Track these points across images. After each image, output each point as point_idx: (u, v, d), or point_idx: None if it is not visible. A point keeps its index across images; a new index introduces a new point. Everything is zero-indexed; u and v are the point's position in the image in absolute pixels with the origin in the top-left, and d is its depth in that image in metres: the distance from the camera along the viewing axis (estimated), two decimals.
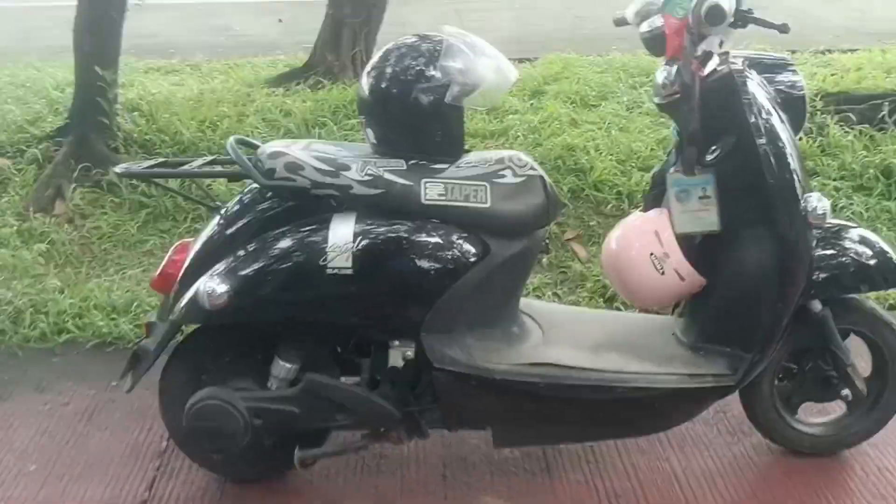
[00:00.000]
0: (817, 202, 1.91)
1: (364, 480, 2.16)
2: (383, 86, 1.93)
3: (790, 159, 1.93)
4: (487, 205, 1.91)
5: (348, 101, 4.47)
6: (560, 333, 2.13)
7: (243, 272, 1.84)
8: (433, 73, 1.89)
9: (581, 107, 4.46)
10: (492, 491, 2.12)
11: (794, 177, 1.93)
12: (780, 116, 1.97)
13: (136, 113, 4.26)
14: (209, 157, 2.12)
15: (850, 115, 4.31)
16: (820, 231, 2.04)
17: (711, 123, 1.97)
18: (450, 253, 1.88)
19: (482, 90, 1.93)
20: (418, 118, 1.92)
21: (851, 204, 3.68)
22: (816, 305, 2.06)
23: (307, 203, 1.89)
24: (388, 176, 1.87)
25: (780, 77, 2.06)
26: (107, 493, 2.12)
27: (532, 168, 2.00)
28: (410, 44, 1.97)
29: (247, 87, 4.87)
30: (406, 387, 1.95)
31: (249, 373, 1.97)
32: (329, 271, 1.81)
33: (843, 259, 2.05)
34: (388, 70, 1.94)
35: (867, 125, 4.23)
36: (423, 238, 1.87)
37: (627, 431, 2.14)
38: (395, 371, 1.92)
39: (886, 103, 4.27)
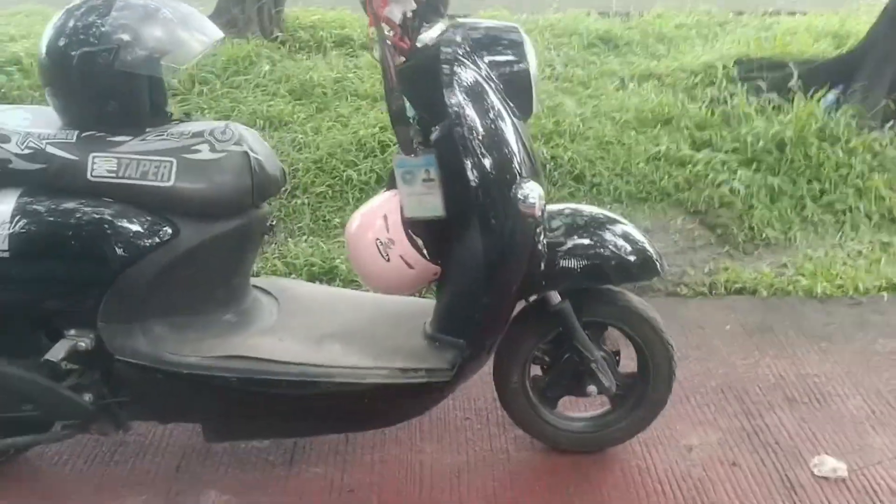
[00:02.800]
0: (528, 191, 1.74)
1: (92, 469, 2.07)
2: (57, 47, 1.76)
3: (503, 146, 1.76)
4: (170, 183, 1.76)
5: (242, 57, 4.37)
6: (293, 321, 2.00)
7: None
8: (102, 34, 1.73)
9: None
10: (221, 485, 2.03)
11: (505, 165, 1.76)
12: (496, 98, 1.78)
13: None
14: None
15: (761, 83, 4.06)
16: (567, 222, 1.92)
17: (431, 100, 1.80)
18: (120, 235, 1.74)
19: (165, 57, 1.77)
20: (89, 86, 1.76)
21: (734, 178, 3.47)
22: (554, 297, 1.91)
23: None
24: (50, 149, 1.73)
25: (504, 53, 1.83)
26: None
27: (237, 143, 1.83)
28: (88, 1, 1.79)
29: None
30: (97, 378, 1.84)
31: None
32: None
33: (588, 251, 1.89)
34: (64, 29, 1.76)
35: (776, 93, 3.99)
36: (87, 218, 1.73)
37: (344, 427, 2.02)
38: (81, 359, 1.81)
39: (797, 71, 4.00)
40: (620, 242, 1.90)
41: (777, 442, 2.16)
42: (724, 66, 4.31)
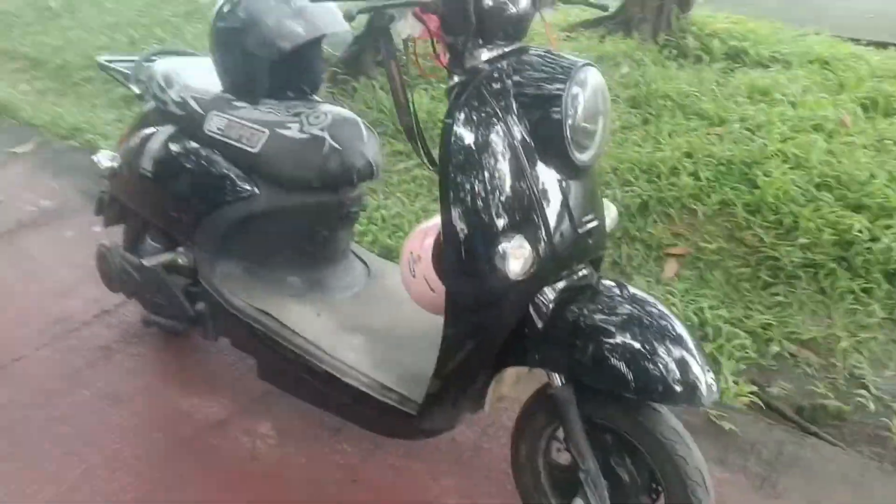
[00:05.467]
0: (508, 248, 1.47)
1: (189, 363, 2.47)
2: (213, 18, 2.06)
3: (497, 195, 1.50)
4: (256, 150, 1.96)
5: (606, 55, 4.36)
6: (351, 304, 2.06)
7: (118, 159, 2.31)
8: (234, 15, 1.99)
9: None
10: (278, 421, 2.23)
11: (492, 214, 1.50)
12: (509, 142, 1.50)
13: None
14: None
15: None
16: (606, 303, 1.57)
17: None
18: (215, 181, 2.02)
19: (274, 42, 1.95)
20: (223, 56, 2.06)
21: None
22: (555, 378, 1.58)
23: (163, 113, 2.20)
24: (190, 102, 2.09)
25: (547, 95, 1.50)
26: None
27: (322, 129, 1.94)
28: None
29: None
30: (198, 290, 2.18)
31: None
32: (140, 171, 2.15)
33: (602, 341, 1.49)
34: (221, 3, 2.05)
35: None
36: (199, 162, 2.04)
37: (342, 415, 1.96)
38: (183, 272, 2.17)
39: None
40: (649, 345, 1.47)
41: None
42: None
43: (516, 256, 1.48)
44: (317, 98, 2.16)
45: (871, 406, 2.28)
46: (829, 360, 2.47)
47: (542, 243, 1.52)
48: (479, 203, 1.51)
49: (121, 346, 2.54)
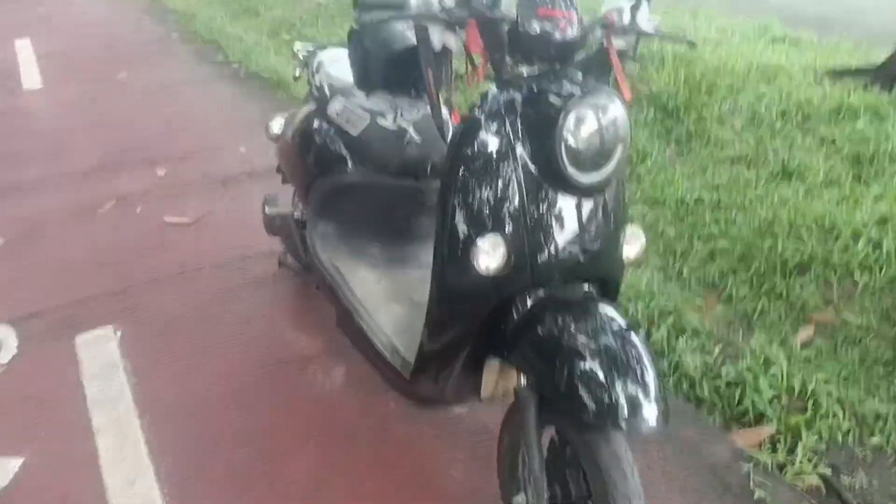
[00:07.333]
0: (483, 244, 1.56)
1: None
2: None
3: (483, 198, 1.59)
4: (356, 133, 2.24)
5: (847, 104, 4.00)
6: (422, 281, 2.26)
7: None
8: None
9: None
10: (355, 368, 2.54)
11: (480, 213, 1.59)
12: (512, 158, 1.56)
13: None
14: None
15: None
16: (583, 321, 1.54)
17: None
18: (325, 154, 2.33)
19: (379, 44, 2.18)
20: (354, 51, 2.30)
21: None
22: (523, 379, 1.61)
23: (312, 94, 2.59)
24: (325, 87, 2.44)
25: (551, 118, 1.51)
26: None
27: (410, 123, 2.17)
28: None
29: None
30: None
31: None
32: (287, 138, 2.55)
33: (556, 352, 1.49)
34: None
35: None
36: (320, 135, 2.36)
37: (379, 370, 2.10)
38: (300, 224, 2.56)
39: None
40: (610, 375, 1.44)
41: None
42: None
43: (488, 253, 1.56)
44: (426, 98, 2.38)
45: None
46: None
47: (522, 249, 1.57)
48: (473, 200, 1.61)
49: (268, 279, 3.03)
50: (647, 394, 1.45)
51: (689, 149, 4.00)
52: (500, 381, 1.86)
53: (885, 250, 2.83)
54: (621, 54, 1.72)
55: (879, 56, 4.68)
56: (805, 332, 2.66)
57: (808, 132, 3.92)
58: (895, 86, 4.20)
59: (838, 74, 4.58)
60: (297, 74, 2.68)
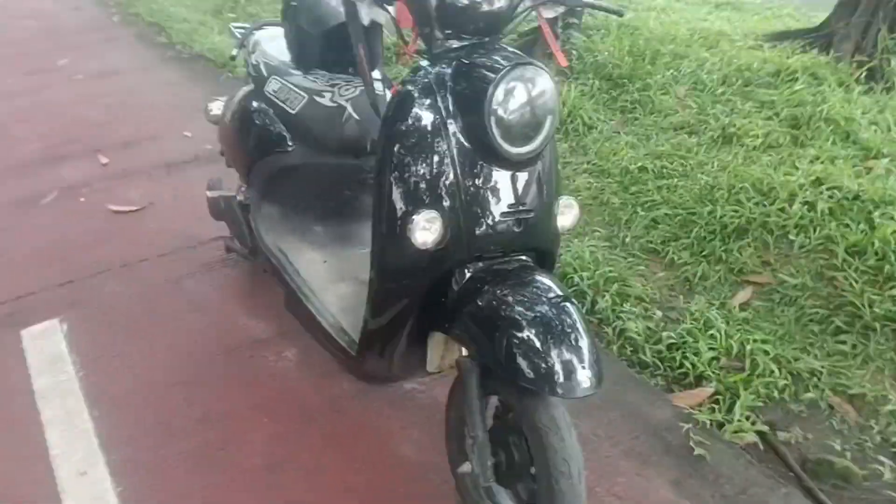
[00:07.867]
0: (419, 218, 1.59)
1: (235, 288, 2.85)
2: None
3: (421, 174, 1.62)
4: (294, 111, 2.23)
5: (783, 69, 4.11)
6: (367, 259, 2.29)
7: None
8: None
9: None
10: (301, 345, 2.56)
11: (417, 188, 1.62)
12: (444, 132, 1.59)
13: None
14: None
15: None
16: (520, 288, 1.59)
17: None
18: (264, 134, 2.32)
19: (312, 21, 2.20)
20: (289, 29, 2.34)
21: None
22: (464, 350, 1.68)
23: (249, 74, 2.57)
24: (261, 66, 2.42)
25: (482, 90, 1.53)
26: None
27: (347, 100, 2.16)
28: None
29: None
30: None
31: None
32: (226, 120, 2.54)
33: (497, 318, 1.54)
34: None
35: None
36: (258, 116, 2.36)
37: (327, 350, 2.15)
38: (244, 208, 2.55)
39: None
40: (545, 340, 1.48)
41: None
42: None
43: (424, 228, 1.59)
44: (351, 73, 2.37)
45: (888, 475, 2.04)
46: (869, 420, 2.23)
47: (458, 223, 1.60)
48: (408, 176, 1.64)
49: (216, 265, 3.02)
50: (581, 359, 1.49)
51: (634, 118, 4.05)
52: (446, 353, 1.90)
53: (819, 210, 2.92)
54: (566, 25, 1.76)
55: (819, 19, 4.78)
56: (743, 294, 2.74)
57: (749, 97, 3.99)
58: (832, 48, 4.29)
59: (778, 38, 4.66)
60: (234, 54, 2.65)
